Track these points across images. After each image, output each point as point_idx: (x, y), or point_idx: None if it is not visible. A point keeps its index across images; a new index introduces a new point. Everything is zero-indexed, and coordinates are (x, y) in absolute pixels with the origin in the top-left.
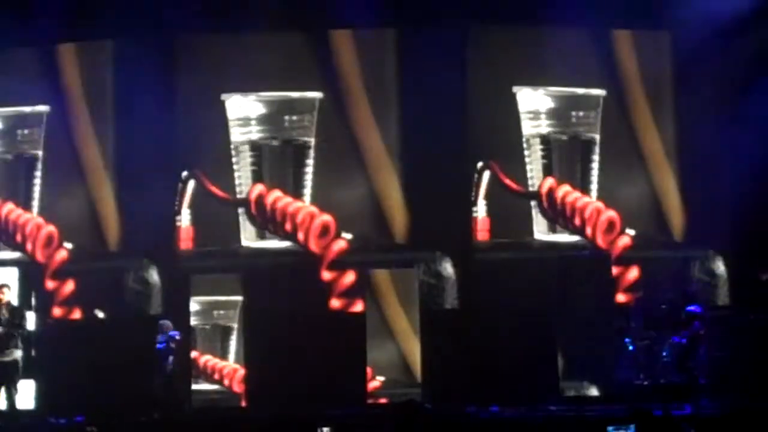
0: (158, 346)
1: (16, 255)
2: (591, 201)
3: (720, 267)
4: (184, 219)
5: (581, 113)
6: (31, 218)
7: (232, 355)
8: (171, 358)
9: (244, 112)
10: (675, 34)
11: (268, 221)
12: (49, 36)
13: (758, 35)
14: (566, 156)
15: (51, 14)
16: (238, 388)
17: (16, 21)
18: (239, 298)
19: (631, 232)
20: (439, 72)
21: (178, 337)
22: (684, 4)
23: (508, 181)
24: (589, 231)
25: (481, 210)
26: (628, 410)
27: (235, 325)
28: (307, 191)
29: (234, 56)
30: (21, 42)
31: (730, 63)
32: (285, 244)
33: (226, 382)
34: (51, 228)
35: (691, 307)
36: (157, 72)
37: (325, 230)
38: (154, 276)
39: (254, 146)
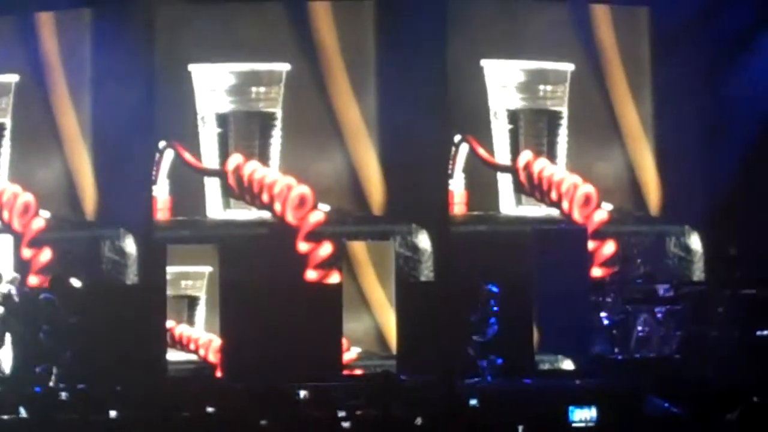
0: None
1: None
2: (568, 175)
3: (695, 242)
4: (161, 189)
5: (549, 87)
6: (8, 187)
7: (198, 325)
8: None
9: (210, 82)
10: (653, 10)
11: (245, 192)
12: (26, 4)
13: (736, 11)
14: (533, 129)
15: None
16: (213, 358)
17: None
18: (208, 268)
19: (607, 206)
20: (417, 44)
21: None
22: None
23: (485, 155)
24: (565, 205)
25: (458, 183)
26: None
27: (203, 296)
28: (274, 162)
29: (212, 27)
30: None
31: (709, 39)
32: (258, 214)
33: (201, 352)
34: (28, 196)
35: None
36: (134, 41)
37: (302, 202)
38: (130, 245)
39: (220, 117)
